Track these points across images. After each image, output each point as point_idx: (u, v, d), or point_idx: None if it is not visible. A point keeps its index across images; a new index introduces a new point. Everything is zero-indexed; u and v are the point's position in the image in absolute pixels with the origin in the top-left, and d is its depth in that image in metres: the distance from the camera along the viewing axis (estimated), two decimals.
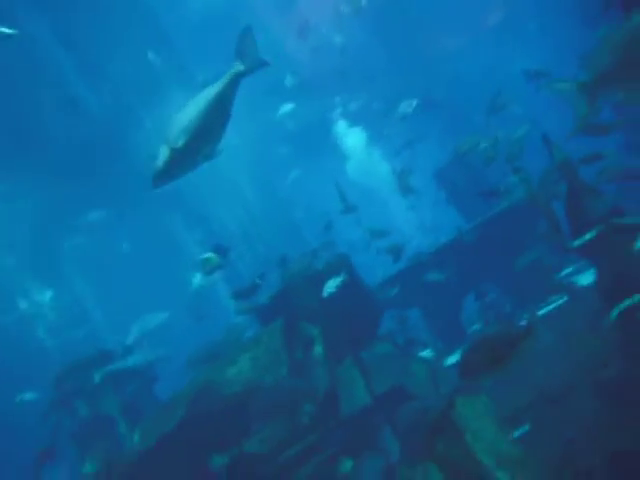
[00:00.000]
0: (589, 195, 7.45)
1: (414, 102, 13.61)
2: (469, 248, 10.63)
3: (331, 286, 8.42)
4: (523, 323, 9.40)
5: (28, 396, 15.67)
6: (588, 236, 7.30)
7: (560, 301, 10.42)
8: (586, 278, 9.83)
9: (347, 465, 7.98)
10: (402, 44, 19.19)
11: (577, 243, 7.42)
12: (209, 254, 8.28)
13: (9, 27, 8.89)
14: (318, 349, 8.55)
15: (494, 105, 10.71)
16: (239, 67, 5.28)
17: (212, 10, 18.32)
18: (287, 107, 18.57)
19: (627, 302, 7.17)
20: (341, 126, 20.98)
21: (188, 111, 5.27)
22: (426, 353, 10.71)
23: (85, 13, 15.29)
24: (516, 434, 6.76)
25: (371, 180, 19.08)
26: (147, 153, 5.37)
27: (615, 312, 7.22)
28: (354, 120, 20.21)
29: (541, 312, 10.34)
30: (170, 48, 17.14)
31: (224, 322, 11.58)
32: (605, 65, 3.83)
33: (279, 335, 8.79)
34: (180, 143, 5.11)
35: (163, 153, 5.15)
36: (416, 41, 19.81)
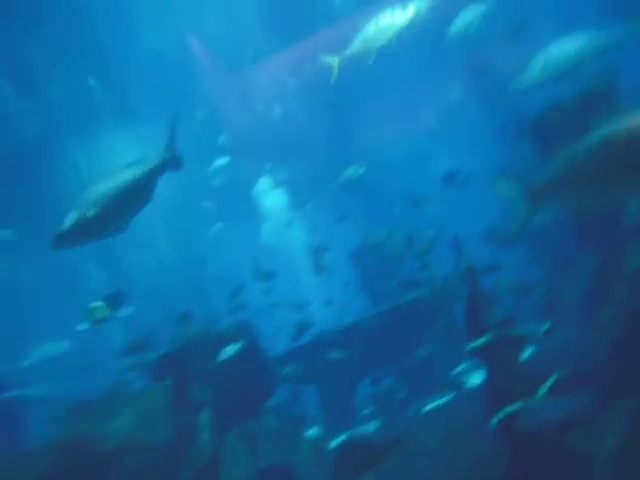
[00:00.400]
0: (487, 302, 7.88)
1: (362, 169, 13.89)
2: (371, 332, 10.85)
3: (228, 352, 8.30)
4: (410, 415, 9.59)
5: None
6: (481, 341, 7.66)
7: (449, 397, 10.72)
8: (477, 378, 10.17)
9: None
10: (338, 122, 19.99)
11: (471, 346, 7.76)
12: (98, 303, 7.90)
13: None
14: (206, 414, 8.32)
15: (415, 200, 11.20)
16: (165, 157, 5.48)
17: (162, 53, 18.43)
18: (222, 160, 18.66)
19: (509, 409, 7.51)
20: (263, 185, 20.74)
21: (107, 185, 5.30)
22: (313, 431, 10.61)
23: (27, 25, 15.05)
24: None
25: (285, 247, 18.98)
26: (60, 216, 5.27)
27: (497, 417, 7.52)
28: (278, 183, 20.26)
29: (429, 407, 10.60)
30: (113, 80, 16.93)
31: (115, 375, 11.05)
32: (556, 174, 3.99)
33: (167, 394, 8.51)
34: (90, 213, 5.08)
35: (71, 218, 5.09)
36: (352, 123, 20.69)
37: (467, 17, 8.06)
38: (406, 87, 18.18)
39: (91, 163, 15.65)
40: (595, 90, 8.59)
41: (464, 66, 15.85)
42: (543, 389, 7.48)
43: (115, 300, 7.95)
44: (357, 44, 7.16)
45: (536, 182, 4.06)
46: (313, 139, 19.14)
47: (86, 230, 5.16)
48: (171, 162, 5.53)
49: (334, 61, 7.56)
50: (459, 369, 11.33)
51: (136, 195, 5.35)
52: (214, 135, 17.64)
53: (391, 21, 6.76)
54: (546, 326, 7.83)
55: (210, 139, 17.53)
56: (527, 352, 8.08)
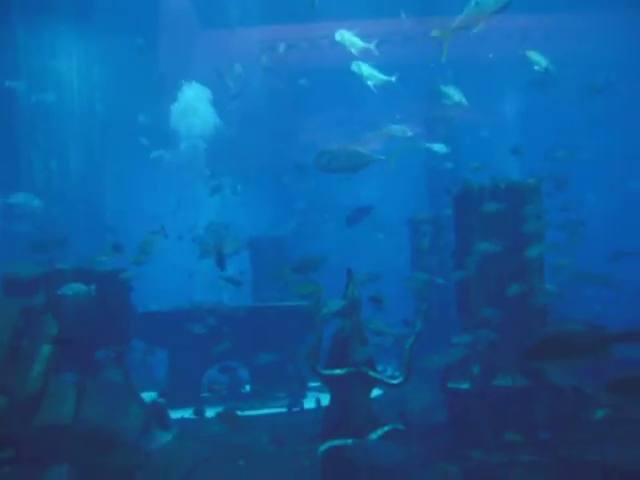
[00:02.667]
0: (357, 338, 8.06)
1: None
2: (240, 323, 10.85)
3: (70, 289, 7.99)
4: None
5: None
6: (337, 371, 7.85)
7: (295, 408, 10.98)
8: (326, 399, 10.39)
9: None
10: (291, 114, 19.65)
11: (326, 372, 7.93)
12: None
13: None
14: (47, 348, 7.96)
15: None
16: None
17: None
18: None
19: (337, 442, 7.74)
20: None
21: None
22: (151, 395, 10.47)
23: None
24: None
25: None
26: None
27: (324, 447, 7.74)
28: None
29: (270, 410, 10.81)
30: None
31: None
32: None
33: (15, 313, 8.03)
34: None
35: None
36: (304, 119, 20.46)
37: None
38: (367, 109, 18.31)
39: (30, 50, 14.54)
40: (526, 184, 9.01)
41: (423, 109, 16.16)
42: (376, 434, 7.77)
43: None
44: (468, 11, 6.34)
45: None
46: (262, 119, 18.84)
47: None
48: None
49: (445, 35, 6.68)
50: (313, 385, 11.59)
51: None
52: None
53: None
54: (400, 379, 8.11)
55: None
56: (373, 393, 8.35)
